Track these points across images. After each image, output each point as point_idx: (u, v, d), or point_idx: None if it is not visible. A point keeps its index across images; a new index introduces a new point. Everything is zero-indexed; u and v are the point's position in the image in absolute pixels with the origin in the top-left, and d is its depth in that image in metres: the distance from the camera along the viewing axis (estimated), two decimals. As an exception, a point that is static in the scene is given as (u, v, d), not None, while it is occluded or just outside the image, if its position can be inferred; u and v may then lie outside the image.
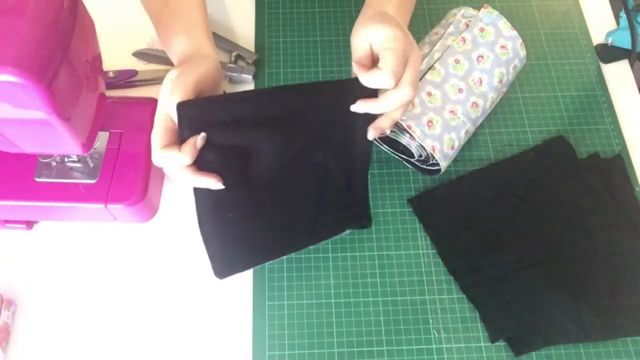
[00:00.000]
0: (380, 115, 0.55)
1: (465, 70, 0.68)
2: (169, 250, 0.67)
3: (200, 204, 0.54)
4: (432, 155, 0.66)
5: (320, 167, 0.59)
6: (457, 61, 0.68)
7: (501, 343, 0.62)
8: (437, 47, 0.69)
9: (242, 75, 0.76)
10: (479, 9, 0.70)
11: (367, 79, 0.52)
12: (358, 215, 0.65)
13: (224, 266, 0.59)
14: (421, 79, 0.67)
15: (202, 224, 0.56)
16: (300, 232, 0.62)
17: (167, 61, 0.77)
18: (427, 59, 0.68)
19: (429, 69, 0.68)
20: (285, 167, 0.57)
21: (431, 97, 0.66)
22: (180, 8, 0.58)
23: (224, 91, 0.73)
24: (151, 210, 0.65)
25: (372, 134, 0.56)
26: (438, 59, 0.68)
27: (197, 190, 0.53)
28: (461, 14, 0.71)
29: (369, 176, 0.66)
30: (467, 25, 0.69)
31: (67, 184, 0.61)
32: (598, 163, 0.72)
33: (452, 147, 0.67)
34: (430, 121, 0.65)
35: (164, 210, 0.67)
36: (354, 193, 0.64)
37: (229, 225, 0.57)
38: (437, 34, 0.72)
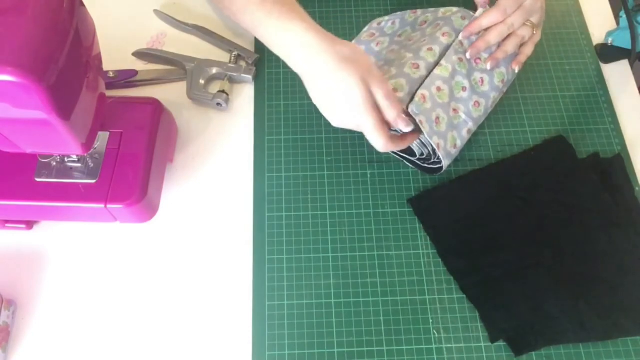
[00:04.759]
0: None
1: (467, 69, 0.68)
2: (169, 251, 0.67)
3: None
4: (437, 152, 0.65)
5: None
6: (460, 59, 0.68)
7: (501, 343, 0.62)
8: (435, 46, 0.68)
9: (242, 75, 0.76)
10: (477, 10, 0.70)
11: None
12: None
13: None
14: (429, 74, 0.67)
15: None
16: None
17: (167, 61, 0.77)
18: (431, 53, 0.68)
19: (436, 65, 0.67)
20: None
21: (440, 92, 0.66)
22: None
23: (226, 94, 0.73)
24: (151, 210, 0.65)
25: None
26: (442, 56, 0.68)
27: None
28: (460, 14, 0.71)
29: (368, 176, 0.67)
30: (464, 19, 0.70)
31: (67, 184, 0.61)
32: (598, 163, 0.72)
33: (455, 146, 0.67)
34: (437, 117, 0.65)
35: (164, 210, 0.67)
36: None
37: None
38: (437, 25, 0.71)
